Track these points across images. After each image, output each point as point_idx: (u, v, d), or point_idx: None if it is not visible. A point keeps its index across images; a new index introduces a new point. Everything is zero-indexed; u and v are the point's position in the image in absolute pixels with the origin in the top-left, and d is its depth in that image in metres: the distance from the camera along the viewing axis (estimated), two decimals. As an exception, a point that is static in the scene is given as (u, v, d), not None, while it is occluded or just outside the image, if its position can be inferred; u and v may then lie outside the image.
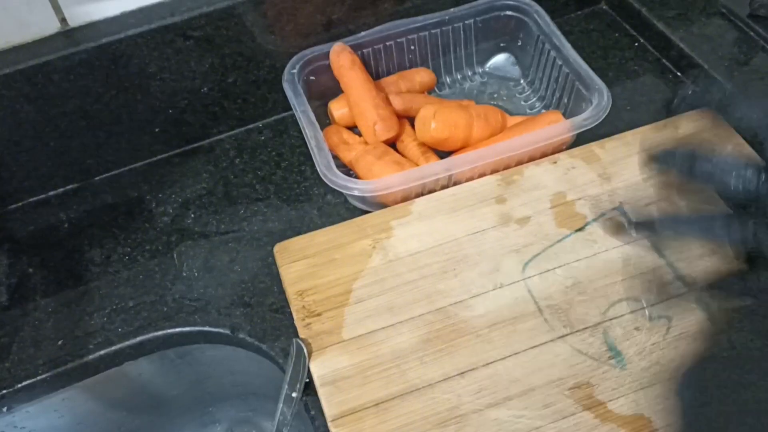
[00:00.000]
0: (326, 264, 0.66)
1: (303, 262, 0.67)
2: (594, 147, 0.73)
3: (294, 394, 0.59)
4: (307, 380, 0.60)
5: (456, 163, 0.69)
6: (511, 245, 0.66)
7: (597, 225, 0.67)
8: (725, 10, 0.84)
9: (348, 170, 0.76)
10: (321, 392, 0.59)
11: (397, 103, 0.77)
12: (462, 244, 0.67)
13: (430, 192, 0.71)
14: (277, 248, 0.68)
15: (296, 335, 0.63)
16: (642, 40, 0.88)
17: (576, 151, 0.73)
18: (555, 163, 0.72)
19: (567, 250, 0.66)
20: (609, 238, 0.66)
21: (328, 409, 0.58)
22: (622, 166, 0.71)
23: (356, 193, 0.67)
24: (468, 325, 0.61)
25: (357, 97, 0.75)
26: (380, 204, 0.71)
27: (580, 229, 0.67)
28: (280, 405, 0.59)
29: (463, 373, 0.59)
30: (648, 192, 0.69)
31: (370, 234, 0.68)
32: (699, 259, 0.64)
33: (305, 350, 0.60)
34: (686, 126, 0.73)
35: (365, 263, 0.66)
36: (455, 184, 0.71)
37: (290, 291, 0.65)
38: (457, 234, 0.67)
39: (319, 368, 0.60)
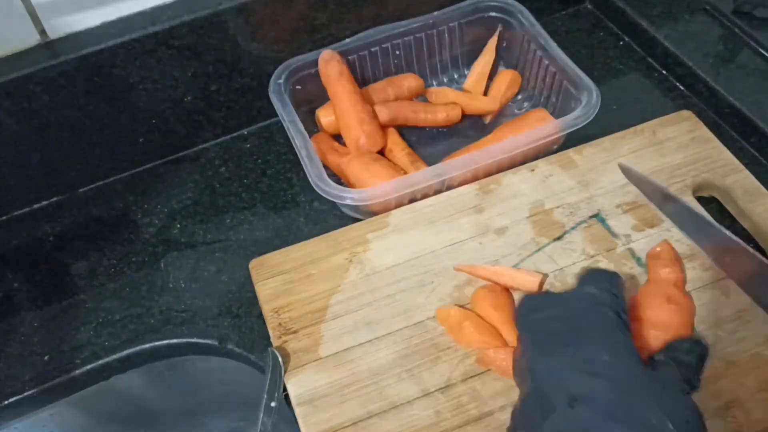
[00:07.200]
0: (302, 279, 0.65)
1: (278, 278, 0.65)
2: (571, 153, 0.72)
3: (273, 404, 0.58)
4: (285, 393, 0.59)
5: (448, 168, 0.68)
6: (490, 256, 0.65)
7: (576, 233, 0.66)
8: (709, 7, 0.84)
9: (337, 177, 0.75)
10: (298, 412, 0.57)
11: (383, 114, 0.76)
12: (439, 256, 0.66)
13: (424, 198, 0.70)
14: (253, 264, 0.67)
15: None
16: (627, 39, 0.88)
17: (553, 158, 0.72)
18: (532, 171, 0.71)
19: (545, 259, 0.65)
20: (588, 246, 0.65)
21: (306, 429, 0.56)
22: (600, 173, 0.70)
23: (349, 202, 0.66)
24: (447, 339, 0.60)
25: (343, 110, 0.74)
26: (371, 212, 0.70)
27: (558, 238, 0.66)
28: (261, 415, 0.58)
29: (442, 388, 0.57)
30: (626, 198, 0.68)
31: (346, 248, 0.67)
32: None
33: (280, 358, 0.59)
34: (664, 131, 0.73)
35: (342, 278, 0.65)
36: (449, 188, 0.71)
37: (266, 308, 0.64)
38: (435, 246, 0.66)
39: (295, 387, 0.59)
